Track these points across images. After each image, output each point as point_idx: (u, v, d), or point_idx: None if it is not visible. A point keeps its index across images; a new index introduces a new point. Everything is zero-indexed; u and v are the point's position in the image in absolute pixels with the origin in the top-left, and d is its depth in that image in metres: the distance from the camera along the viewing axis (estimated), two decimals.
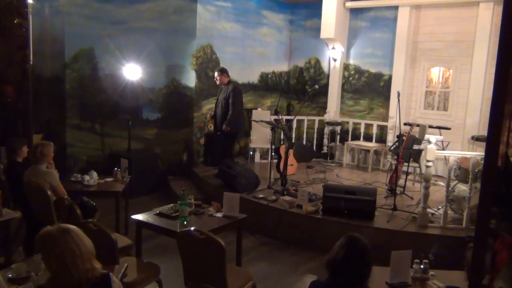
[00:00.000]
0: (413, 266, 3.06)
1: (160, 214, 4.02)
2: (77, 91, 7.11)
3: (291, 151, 6.69)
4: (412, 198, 6.01)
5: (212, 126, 7.48)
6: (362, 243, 2.23)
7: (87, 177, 5.16)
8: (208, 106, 7.81)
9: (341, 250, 2.21)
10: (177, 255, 3.26)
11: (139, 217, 3.98)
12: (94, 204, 4.53)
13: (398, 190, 5.98)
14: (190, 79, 7.54)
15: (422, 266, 3.05)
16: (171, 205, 4.21)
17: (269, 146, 7.29)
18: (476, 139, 6.62)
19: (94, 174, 5.22)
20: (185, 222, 3.80)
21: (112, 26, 7.09)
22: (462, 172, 5.13)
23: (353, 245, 2.22)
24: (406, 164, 6.30)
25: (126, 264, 3.10)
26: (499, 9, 6.68)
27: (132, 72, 7.06)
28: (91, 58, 7.11)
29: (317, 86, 7.12)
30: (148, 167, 7.15)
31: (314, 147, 8.69)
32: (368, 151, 7.98)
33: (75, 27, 6.92)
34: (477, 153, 5.09)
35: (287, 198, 5.55)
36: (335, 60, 8.58)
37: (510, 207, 1.69)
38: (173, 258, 4.12)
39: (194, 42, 7.45)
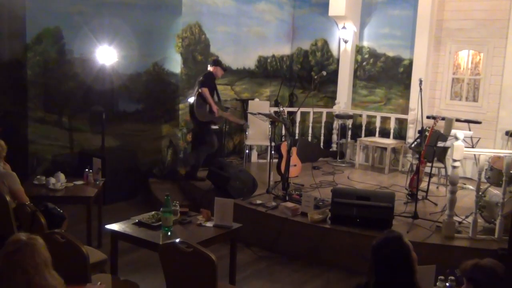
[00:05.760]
0: (437, 283, 3.07)
1: (140, 224, 4.01)
2: (41, 78, 7.08)
3: (294, 149, 6.70)
4: (436, 205, 6.03)
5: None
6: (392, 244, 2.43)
7: (53, 180, 5.16)
8: None
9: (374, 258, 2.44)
10: (159, 272, 3.26)
11: (114, 227, 3.98)
12: (62, 211, 4.51)
13: (420, 195, 5.99)
14: (175, 64, 7.53)
15: (447, 284, 3.06)
16: (153, 212, 4.21)
17: (268, 144, 7.29)
18: (511, 134, 6.64)
19: (61, 176, 5.22)
20: (169, 233, 3.80)
21: (82, 2, 7.06)
22: (494, 173, 5.15)
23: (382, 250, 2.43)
24: (429, 164, 6.32)
25: (99, 283, 3.10)
26: None
27: (106, 55, 7.04)
28: (57, 39, 7.08)
29: (324, 73, 7.11)
30: (125, 168, 7.15)
31: (321, 144, 8.70)
32: (385, 149, 7.99)
33: (38, 2, 6.88)
34: None
35: (290, 204, 5.55)
36: (346, 41, 8.58)
37: None
38: (154, 275, 4.13)
39: (179, 20, 7.43)
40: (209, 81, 6.73)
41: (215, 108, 6.63)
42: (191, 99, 6.71)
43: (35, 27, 6.93)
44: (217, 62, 6.93)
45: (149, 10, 7.33)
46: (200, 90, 6.58)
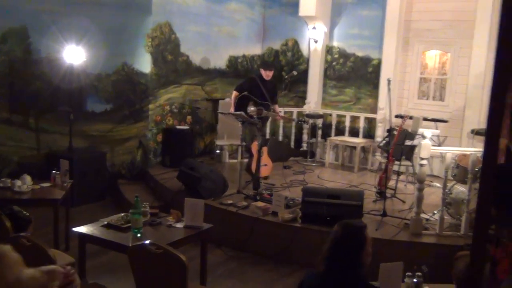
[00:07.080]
0: (405, 280, 3.12)
1: (109, 226, 3.98)
2: (6, 78, 6.93)
3: (265, 149, 6.72)
4: (404, 202, 6.13)
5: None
6: (347, 231, 2.66)
7: (18, 182, 5.07)
8: (167, 96, 7.75)
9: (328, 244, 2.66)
10: (129, 275, 3.24)
11: (82, 229, 3.94)
12: (28, 214, 4.42)
13: (388, 193, 6.09)
14: (145, 64, 7.46)
15: (415, 280, 3.11)
16: (122, 214, 4.18)
17: (239, 143, 7.29)
18: (476, 133, 6.79)
19: (28, 178, 5.13)
20: (138, 235, 3.77)
21: (49, 0, 6.93)
22: (460, 171, 5.26)
23: (339, 234, 2.67)
24: (397, 162, 6.42)
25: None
26: None
27: (74, 55, 6.93)
28: (23, 38, 6.93)
29: (295, 73, 7.18)
30: (94, 170, 7.05)
31: (292, 143, 8.75)
32: (354, 148, 8.09)
33: (2, 0, 6.72)
34: (477, 149, 5.22)
35: (260, 204, 5.56)
36: (316, 41, 8.65)
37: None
38: (124, 278, 4.08)
39: (149, 19, 7.36)
40: (245, 84, 7.05)
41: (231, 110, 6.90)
42: None
43: (0, 26, 6.77)
44: (262, 64, 7.22)
45: (118, 9, 7.24)
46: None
